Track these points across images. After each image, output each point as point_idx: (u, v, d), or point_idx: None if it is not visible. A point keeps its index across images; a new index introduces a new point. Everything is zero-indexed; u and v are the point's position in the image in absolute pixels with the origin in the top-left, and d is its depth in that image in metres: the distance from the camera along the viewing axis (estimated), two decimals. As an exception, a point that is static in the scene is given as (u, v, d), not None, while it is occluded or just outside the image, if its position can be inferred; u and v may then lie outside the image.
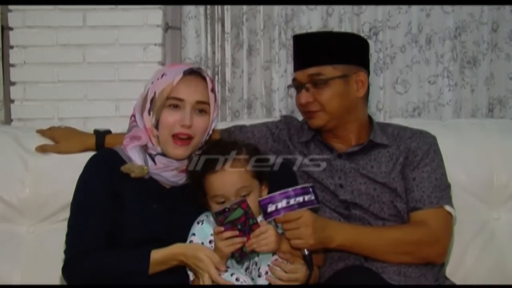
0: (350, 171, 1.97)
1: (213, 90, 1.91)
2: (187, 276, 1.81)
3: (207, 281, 1.68)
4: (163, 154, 1.88)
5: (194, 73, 1.90)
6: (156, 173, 1.88)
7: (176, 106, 1.85)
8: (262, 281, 1.71)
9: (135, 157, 1.88)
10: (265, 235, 1.70)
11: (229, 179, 1.76)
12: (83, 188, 1.87)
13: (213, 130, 1.97)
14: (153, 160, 1.88)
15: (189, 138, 1.86)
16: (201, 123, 1.87)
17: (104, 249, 1.79)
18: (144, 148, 1.90)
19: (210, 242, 1.79)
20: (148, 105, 1.88)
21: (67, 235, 1.84)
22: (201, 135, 1.89)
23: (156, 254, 1.74)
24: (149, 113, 1.88)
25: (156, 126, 1.86)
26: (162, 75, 1.89)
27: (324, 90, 1.96)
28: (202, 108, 1.88)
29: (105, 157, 1.93)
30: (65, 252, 1.82)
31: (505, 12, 3.03)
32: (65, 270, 1.80)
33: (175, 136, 1.85)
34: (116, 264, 1.75)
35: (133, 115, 1.95)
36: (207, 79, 1.90)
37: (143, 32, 2.87)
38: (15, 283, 2.12)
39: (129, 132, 1.94)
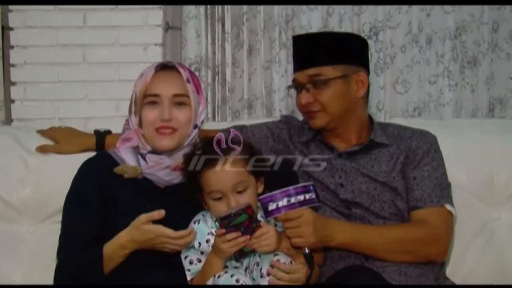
0: (350, 170, 1.97)
1: (189, 80, 1.91)
2: (185, 275, 1.81)
3: (179, 242, 1.70)
4: (153, 152, 1.89)
5: (167, 67, 1.92)
6: (149, 173, 1.89)
7: (154, 103, 1.88)
8: (264, 281, 1.71)
9: (127, 158, 1.90)
10: (266, 235, 1.70)
11: (226, 175, 1.76)
12: (73, 195, 1.90)
13: (202, 122, 1.97)
14: (145, 159, 1.89)
15: (173, 130, 1.87)
16: (181, 116, 1.89)
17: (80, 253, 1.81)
18: (137, 149, 1.91)
19: (207, 241, 1.79)
20: (133, 107, 1.91)
21: (59, 241, 1.87)
22: (185, 127, 1.90)
23: (107, 249, 1.76)
24: (135, 115, 1.90)
25: (141, 125, 1.89)
26: (141, 75, 1.92)
27: (324, 90, 1.96)
28: (180, 101, 1.89)
29: (97, 161, 1.95)
30: (57, 257, 1.86)
31: (505, 12, 3.02)
32: (55, 275, 1.83)
33: (158, 131, 1.87)
34: (81, 267, 1.78)
35: (127, 119, 1.97)
36: (181, 71, 1.91)
37: (144, 32, 2.87)
38: (16, 283, 2.12)
39: (122, 135, 1.96)
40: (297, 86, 2.02)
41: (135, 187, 1.88)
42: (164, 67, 1.92)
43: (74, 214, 1.86)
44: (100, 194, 1.86)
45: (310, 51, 1.99)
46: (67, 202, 1.90)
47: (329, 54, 1.97)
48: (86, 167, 1.93)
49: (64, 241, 1.85)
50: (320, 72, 1.96)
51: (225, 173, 1.76)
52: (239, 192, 1.77)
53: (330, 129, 2.01)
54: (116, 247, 1.76)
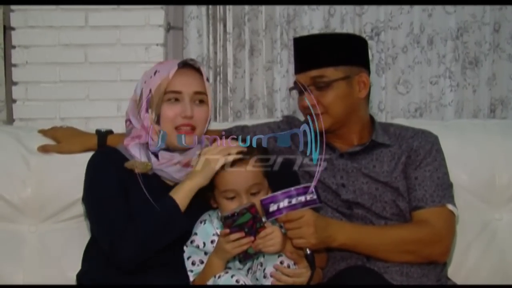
0: (352, 171, 1.97)
1: (208, 79, 1.93)
2: (187, 276, 1.81)
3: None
4: (166, 149, 1.89)
5: (187, 65, 1.92)
6: (160, 169, 1.89)
7: (175, 100, 1.87)
8: (267, 282, 1.71)
9: (137, 154, 1.89)
10: (271, 236, 1.71)
11: (243, 175, 1.77)
12: (97, 180, 1.86)
13: (209, 122, 1.97)
14: (156, 156, 1.88)
15: (192, 128, 1.87)
16: (201, 114, 1.89)
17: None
18: (146, 146, 1.90)
19: (212, 242, 1.80)
20: (144, 104, 1.89)
21: (99, 227, 1.83)
22: (203, 125, 1.91)
23: (179, 197, 1.79)
24: (147, 111, 1.88)
25: (158, 122, 1.87)
26: (155, 72, 1.91)
27: (327, 92, 1.95)
28: (200, 98, 1.90)
29: (108, 154, 1.93)
30: (105, 239, 1.80)
31: (507, 12, 3.02)
32: (113, 250, 1.77)
33: (178, 128, 1.87)
34: (151, 220, 1.76)
35: (128, 120, 1.96)
36: (201, 69, 1.92)
37: (145, 32, 2.87)
38: (17, 283, 2.12)
39: (128, 134, 1.95)
40: (300, 88, 2.01)
41: (144, 184, 1.85)
42: (184, 65, 1.92)
43: (105, 197, 1.82)
44: (118, 182, 1.84)
45: (312, 52, 1.99)
46: (92, 189, 1.86)
47: (331, 56, 1.97)
48: (100, 156, 1.92)
49: (106, 221, 1.80)
50: (323, 74, 1.95)
51: (243, 173, 1.77)
52: (253, 194, 1.77)
53: (332, 131, 2.01)
54: (187, 192, 1.80)
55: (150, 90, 1.88)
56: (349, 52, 2.01)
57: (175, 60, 1.96)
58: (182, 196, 1.79)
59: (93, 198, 1.86)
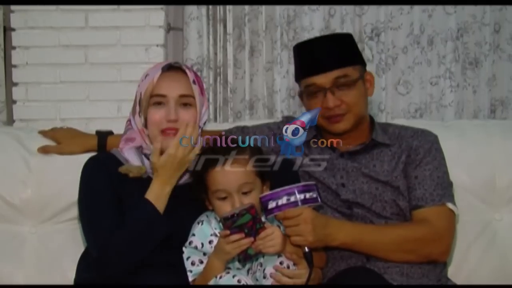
0: (352, 170, 1.97)
1: (195, 82, 1.91)
2: (187, 276, 1.81)
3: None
4: None
5: (174, 68, 1.92)
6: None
7: (160, 103, 1.87)
8: (267, 282, 1.71)
9: (131, 158, 1.89)
10: (271, 236, 1.70)
11: (233, 175, 1.76)
12: (88, 189, 1.87)
13: (205, 123, 1.97)
14: (149, 159, 1.88)
15: (178, 131, 1.86)
16: (187, 117, 1.88)
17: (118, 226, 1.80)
18: (140, 149, 1.91)
19: (210, 242, 1.80)
20: (137, 107, 1.91)
21: (89, 235, 1.84)
22: None
23: (151, 195, 1.81)
24: (139, 115, 1.90)
25: (146, 125, 1.88)
26: (146, 76, 1.92)
27: (350, 91, 1.95)
28: (186, 101, 1.89)
29: (102, 159, 1.94)
30: (92, 249, 1.82)
31: (507, 13, 3.03)
32: (100, 262, 1.79)
33: (163, 132, 1.86)
34: (137, 224, 1.78)
35: (129, 120, 1.97)
36: (187, 72, 1.91)
37: (145, 33, 2.87)
38: (17, 283, 2.12)
39: (124, 135, 1.95)
40: (317, 90, 1.96)
41: (140, 187, 1.86)
42: (170, 68, 1.92)
43: (95, 206, 1.84)
44: (112, 189, 1.85)
45: (333, 53, 1.96)
46: (84, 197, 1.87)
47: (350, 55, 1.98)
48: (93, 163, 1.92)
49: (95, 230, 1.81)
50: (346, 73, 1.94)
51: (232, 173, 1.76)
52: (244, 194, 1.77)
53: (350, 130, 1.99)
54: (156, 187, 1.82)
55: (141, 94, 1.89)
56: (358, 51, 2.03)
57: (163, 62, 1.96)
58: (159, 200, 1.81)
59: (83, 207, 1.87)
